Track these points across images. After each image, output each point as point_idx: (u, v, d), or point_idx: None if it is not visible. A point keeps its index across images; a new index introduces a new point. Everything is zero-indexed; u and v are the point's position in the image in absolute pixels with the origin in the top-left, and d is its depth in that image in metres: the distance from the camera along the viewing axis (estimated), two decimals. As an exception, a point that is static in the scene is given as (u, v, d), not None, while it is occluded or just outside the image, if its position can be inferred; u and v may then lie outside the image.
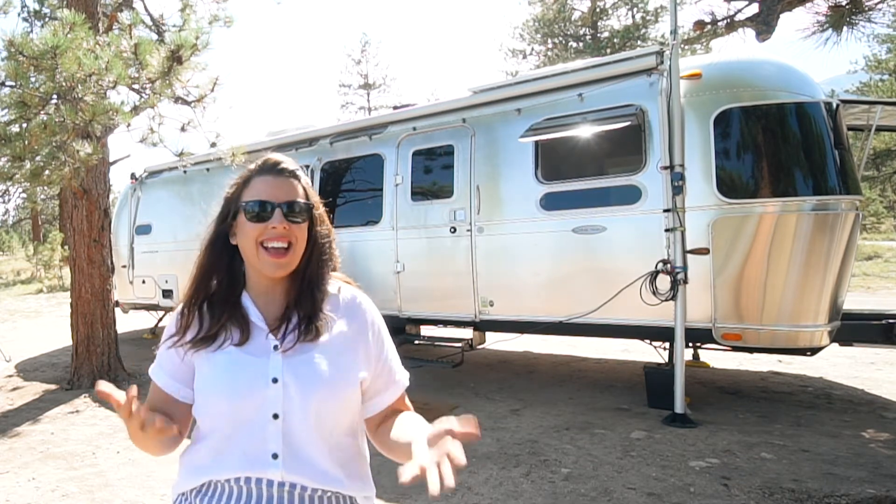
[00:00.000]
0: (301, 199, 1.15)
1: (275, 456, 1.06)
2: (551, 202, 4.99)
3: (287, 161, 1.19)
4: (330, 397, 1.09)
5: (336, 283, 1.21)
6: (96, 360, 6.26)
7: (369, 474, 1.20)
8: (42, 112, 4.55)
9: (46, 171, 4.76)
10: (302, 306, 1.14)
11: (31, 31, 14.47)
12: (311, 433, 1.08)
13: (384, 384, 1.19)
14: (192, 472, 1.12)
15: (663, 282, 4.32)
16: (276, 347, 1.11)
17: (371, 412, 1.19)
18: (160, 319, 9.10)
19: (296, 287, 1.16)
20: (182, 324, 1.17)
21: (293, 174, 1.17)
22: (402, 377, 1.24)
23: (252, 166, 1.20)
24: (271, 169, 1.16)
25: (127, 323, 9.72)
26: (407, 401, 1.25)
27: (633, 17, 25.11)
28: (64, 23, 4.25)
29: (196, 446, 1.14)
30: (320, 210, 1.20)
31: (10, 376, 7.03)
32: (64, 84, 4.26)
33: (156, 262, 8.32)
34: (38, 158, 4.72)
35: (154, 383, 1.20)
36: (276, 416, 1.07)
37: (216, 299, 1.17)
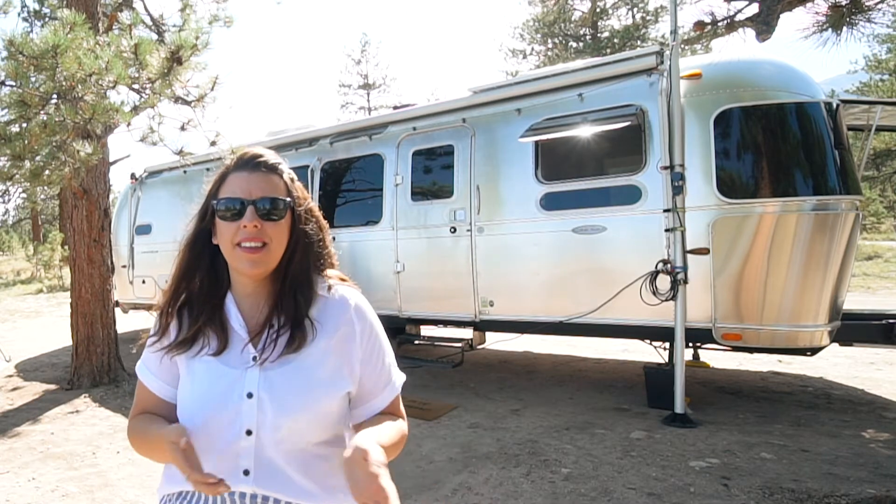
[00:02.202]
0: (278, 196, 1.07)
1: (246, 472, 1.02)
2: (551, 202, 4.99)
3: (267, 154, 1.11)
4: (307, 413, 1.04)
5: (326, 283, 1.14)
6: (96, 360, 6.26)
7: None
8: (42, 112, 4.55)
9: (46, 171, 4.76)
10: (284, 310, 1.08)
11: (31, 30, 14.49)
12: (286, 449, 1.04)
13: (373, 390, 1.13)
14: (172, 478, 1.09)
15: (663, 282, 4.32)
16: (254, 359, 1.06)
17: (359, 419, 1.14)
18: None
19: (276, 290, 1.10)
20: (161, 326, 1.13)
21: (272, 168, 1.10)
22: (396, 381, 1.17)
23: (228, 162, 1.14)
24: (247, 164, 1.09)
25: (127, 323, 9.71)
26: (401, 406, 1.18)
27: (633, 17, 25.12)
28: (64, 23, 4.25)
29: None
30: (306, 206, 1.12)
31: (10, 376, 7.03)
32: (64, 84, 4.26)
33: (156, 262, 8.31)
34: (38, 158, 4.71)
35: (140, 381, 1.17)
36: (249, 433, 1.03)
37: (196, 300, 1.12)
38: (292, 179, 1.13)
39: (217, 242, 1.10)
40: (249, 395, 1.03)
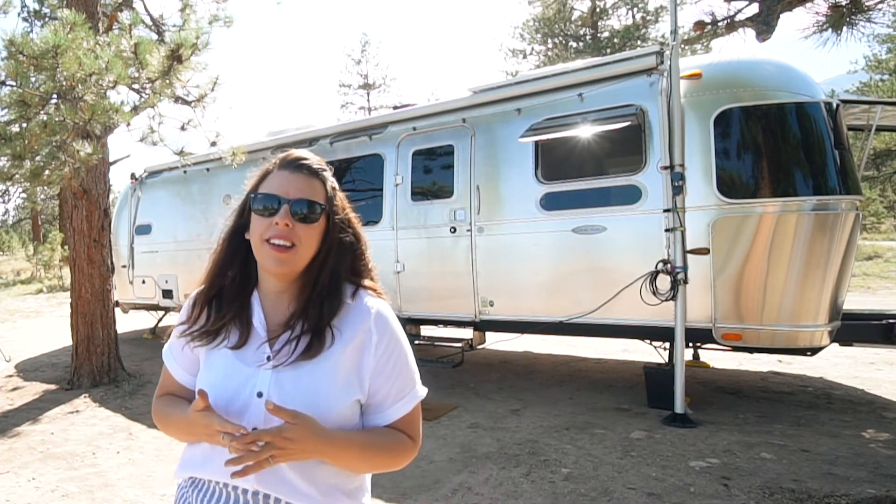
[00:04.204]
0: (316, 200, 1.08)
1: None
2: (551, 202, 4.99)
3: (311, 158, 1.13)
4: (315, 418, 1.02)
5: (353, 290, 1.14)
6: (96, 360, 6.26)
7: (359, 486, 1.14)
8: (42, 112, 4.55)
9: (46, 171, 4.76)
10: (308, 317, 1.08)
11: (31, 30, 14.49)
12: None
13: (383, 402, 1.12)
14: (187, 465, 1.14)
15: (663, 282, 4.32)
16: (268, 358, 1.07)
17: (373, 425, 1.13)
18: (160, 319, 9.09)
19: (305, 295, 1.10)
20: (193, 313, 1.16)
21: (314, 172, 1.11)
22: (411, 397, 1.14)
23: (275, 159, 1.15)
24: (290, 164, 1.12)
25: (127, 323, 9.71)
26: (417, 424, 1.17)
27: (633, 17, 25.10)
28: (64, 22, 4.25)
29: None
30: (344, 215, 1.13)
31: (10, 376, 7.02)
32: (64, 84, 4.26)
33: (156, 262, 8.32)
34: (38, 158, 4.71)
35: (165, 366, 1.23)
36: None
37: (226, 295, 1.15)
38: (334, 188, 1.14)
39: (248, 237, 1.11)
40: (259, 395, 1.05)
